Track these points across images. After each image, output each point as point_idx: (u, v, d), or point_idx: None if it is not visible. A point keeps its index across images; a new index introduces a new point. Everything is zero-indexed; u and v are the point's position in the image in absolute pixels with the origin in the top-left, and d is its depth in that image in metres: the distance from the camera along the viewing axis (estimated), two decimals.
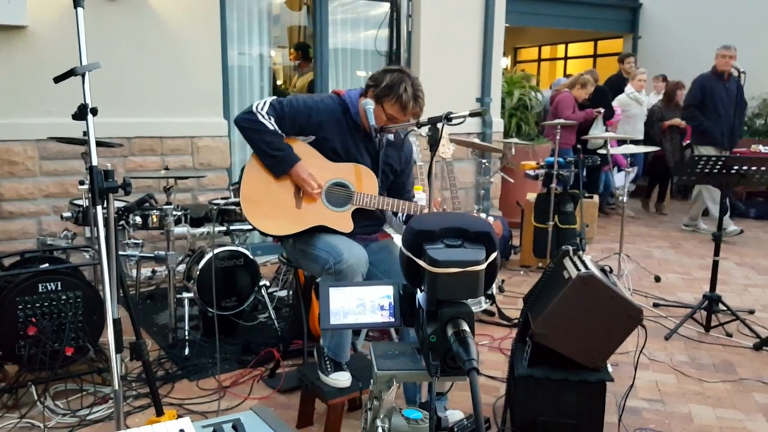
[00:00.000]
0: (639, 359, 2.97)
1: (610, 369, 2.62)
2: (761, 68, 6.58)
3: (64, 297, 2.99)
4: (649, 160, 7.95)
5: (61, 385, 3.07)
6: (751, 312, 4.49)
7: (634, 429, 2.90)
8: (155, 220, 3.76)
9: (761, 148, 8.00)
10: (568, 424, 2.58)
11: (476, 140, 5.87)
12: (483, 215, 2.87)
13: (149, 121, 4.86)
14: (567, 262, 2.70)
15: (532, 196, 5.73)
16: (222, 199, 4.19)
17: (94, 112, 2.14)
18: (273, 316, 4.00)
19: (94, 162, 2.10)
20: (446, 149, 3.97)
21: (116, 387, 2.09)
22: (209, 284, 3.60)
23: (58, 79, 2.17)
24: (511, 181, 6.32)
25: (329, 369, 2.72)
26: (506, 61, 12.36)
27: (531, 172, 5.50)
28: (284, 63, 7.31)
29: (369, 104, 2.69)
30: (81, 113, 2.12)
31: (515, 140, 6.35)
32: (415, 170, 3.52)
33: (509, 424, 2.75)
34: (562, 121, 5.71)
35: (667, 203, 8.35)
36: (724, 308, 4.17)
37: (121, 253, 3.99)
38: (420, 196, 3.45)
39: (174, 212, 3.67)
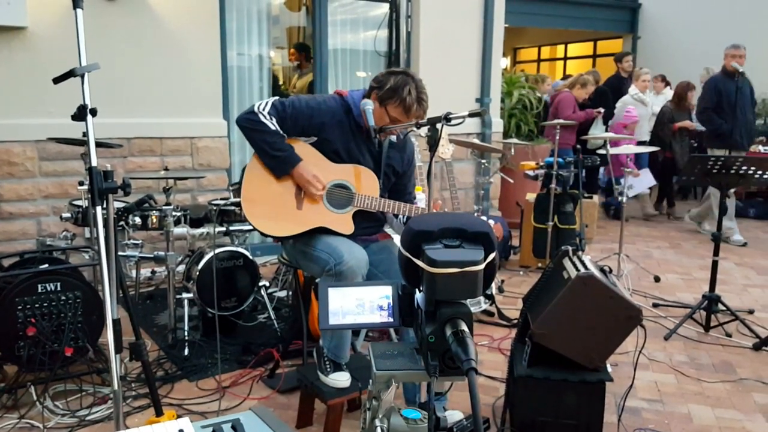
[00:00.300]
0: (638, 359, 2.98)
1: (609, 369, 2.62)
2: (761, 68, 6.56)
3: (63, 297, 2.99)
4: (660, 164, 7.71)
5: (60, 386, 3.07)
6: (751, 312, 4.49)
7: (633, 429, 2.90)
8: (155, 220, 3.76)
9: (761, 149, 8.00)
10: (567, 424, 2.58)
11: (476, 140, 5.87)
12: (483, 218, 2.87)
13: (149, 122, 4.86)
14: (566, 263, 2.70)
15: (531, 197, 5.73)
16: (222, 199, 4.19)
17: (94, 112, 2.14)
18: (272, 317, 4.00)
19: (94, 163, 2.11)
20: (446, 150, 3.97)
21: (116, 387, 2.09)
22: (209, 285, 3.60)
23: (57, 80, 2.17)
24: (511, 181, 6.32)
25: (329, 369, 2.72)
26: (506, 62, 12.36)
27: (530, 173, 5.50)
28: (284, 64, 7.32)
29: (368, 105, 2.68)
30: (80, 114, 2.13)
31: (515, 140, 6.35)
32: (415, 171, 3.53)
33: (509, 424, 2.75)
34: (561, 121, 5.71)
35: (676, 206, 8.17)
36: (724, 308, 4.17)
37: (120, 253, 3.99)
38: (420, 196, 3.46)
39: (173, 213, 3.67)
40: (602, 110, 7.19)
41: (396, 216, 2.94)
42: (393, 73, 2.74)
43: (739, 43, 6.32)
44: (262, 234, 2.86)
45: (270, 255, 5.34)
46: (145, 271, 4.84)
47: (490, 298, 4.29)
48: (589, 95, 7.29)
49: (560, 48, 14.81)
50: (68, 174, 4.60)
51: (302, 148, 2.78)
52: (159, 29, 4.81)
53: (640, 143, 7.37)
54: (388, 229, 3.13)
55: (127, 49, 4.70)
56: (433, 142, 2.44)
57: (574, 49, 14.37)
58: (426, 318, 1.37)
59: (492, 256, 1.39)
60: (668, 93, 8.38)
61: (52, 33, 4.41)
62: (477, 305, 4.24)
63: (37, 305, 2.94)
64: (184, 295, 3.82)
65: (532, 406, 2.61)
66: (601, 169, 7.75)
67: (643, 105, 7.55)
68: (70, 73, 2.13)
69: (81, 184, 3.74)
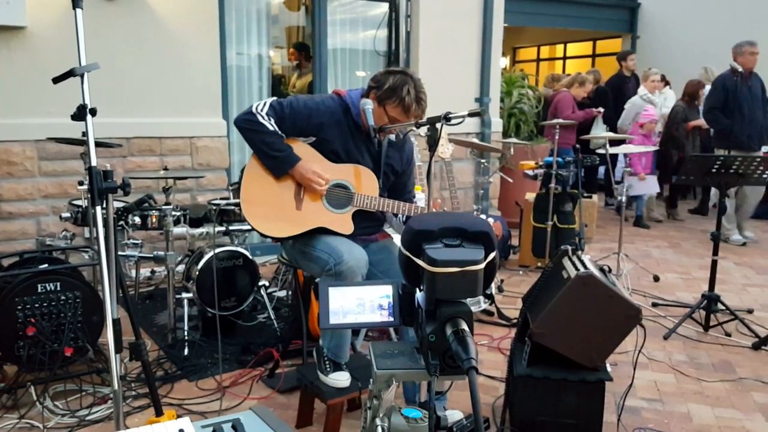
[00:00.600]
0: (638, 359, 2.98)
1: (609, 369, 2.62)
2: (760, 68, 6.54)
3: (63, 297, 2.99)
4: (675, 165, 7.48)
5: (60, 386, 3.07)
6: (750, 311, 4.49)
7: (633, 428, 2.90)
8: (154, 220, 3.76)
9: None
10: (567, 423, 2.58)
11: (475, 140, 5.87)
12: (483, 216, 2.87)
13: (148, 122, 4.86)
14: (566, 262, 2.70)
15: (531, 196, 5.73)
16: (221, 199, 4.19)
17: (93, 112, 2.14)
18: (272, 317, 4.00)
19: (94, 162, 2.11)
20: (445, 149, 3.97)
21: (116, 387, 2.09)
22: (208, 284, 3.60)
23: (57, 80, 2.17)
24: (510, 180, 6.32)
25: (328, 369, 2.72)
26: (505, 61, 12.36)
27: (530, 172, 5.50)
28: (283, 63, 7.32)
29: (368, 104, 2.68)
30: (80, 114, 2.13)
31: (514, 140, 6.36)
32: (415, 170, 3.53)
33: (508, 423, 2.76)
34: (561, 120, 5.72)
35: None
36: (723, 308, 4.17)
37: (120, 253, 3.99)
38: (419, 196, 3.46)
39: (173, 212, 3.67)
40: (602, 110, 7.19)
41: (396, 215, 2.94)
42: (392, 73, 2.73)
43: (754, 40, 6.18)
44: (261, 235, 2.86)
45: (270, 255, 5.34)
46: (145, 271, 4.84)
47: (490, 297, 4.29)
48: (589, 94, 7.28)
49: (559, 47, 14.81)
50: (68, 174, 4.60)
51: (301, 148, 2.78)
52: (158, 29, 4.81)
53: None
54: (388, 229, 3.13)
55: (126, 48, 4.70)
56: (432, 142, 2.44)
57: (573, 48, 14.37)
58: (426, 317, 1.37)
59: (492, 255, 1.39)
60: (668, 92, 8.34)
61: (51, 33, 4.41)
62: (477, 305, 4.24)
63: (36, 305, 2.94)
64: (184, 294, 3.82)
65: (532, 406, 2.61)
66: (619, 167, 7.52)
67: (652, 106, 7.36)
68: (70, 73, 2.13)
69: (81, 183, 3.74)
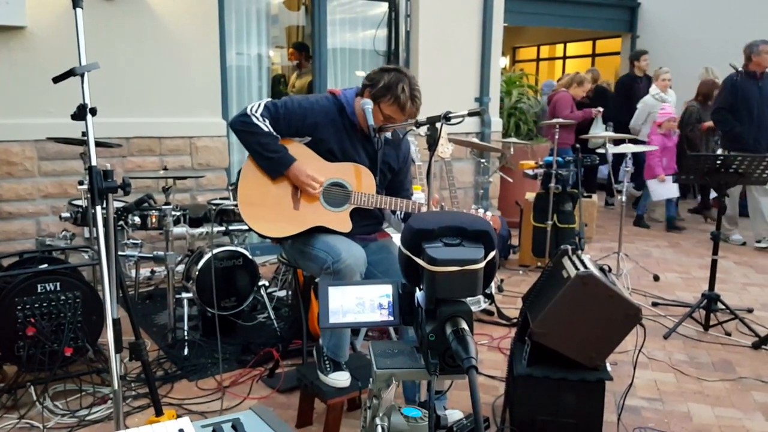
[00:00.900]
0: (638, 358, 2.98)
1: (609, 368, 2.62)
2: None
3: (63, 297, 2.99)
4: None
5: (60, 386, 3.07)
6: (750, 311, 4.49)
7: (633, 428, 2.90)
8: (154, 220, 3.76)
9: None
10: (567, 423, 2.58)
11: (475, 140, 5.87)
12: (481, 211, 2.88)
13: (148, 122, 4.86)
14: (566, 262, 2.70)
15: (531, 196, 5.73)
16: (221, 199, 4.19)
17: (93, 112, 2.14)
18: (272, 316, 4.00)
19: (94, 162, 2.10)
20: (445, 149, 3.97)
21: (116, 387, 2.09)
22: (208, 284, 3.60)
23: (57, 80, 2.17)
24: (510, 180, 6.32)
25: (328, 369, 2.72)
26: (505, 61, 12.36)
27: (530, 172, 5.50)
28: (283, 63, 7.31)
29: (368, 104, 2.67)
30: (80, 113, 2.12)
31: (514, 140, 6.36)
32: (414, 170, 3.53)
33: (508, 423, 2.76)
34: (560, 120, 5.72)
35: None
36: (723, 307, 4.17)
37: (120, 253, 3.98)
38: (419, 195, 3.45)
39: (173, 212, 3.67)
40: (601, 109, 7.18)
41: (394, 212, 2.94)
42: (386, 71, 2.74)
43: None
44: (260, 236, 2.86)
45: (269, 255, 5.34)
46: (145, 271, 4.84)
47: (490, 297, 4.29)
48: (588, 93, 7.28)
49: (559, 47, 14.80)
50: (67, 174, 4.60)
51: (297, 148, 2.78)
52: (158, 29, 4.81)
53: None
54: (387, 229, 3.13)
55: (126, 48, 4.70)
56: (432, 142, 2.44)
57: (573, 48, 14.37)
58: (426, 316, 1.37)
59: (492, 254, 1.39)
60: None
61: (51, 33, 4.41)
62: (476, 304, 4.24)
63: (36, 305, 2.94)
64: (184, 294, 3.82)
65: (532, 405, 2.61)
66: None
67: (669, 104, 7.22)
68: (70, 73, 2.12)
69: (80, 183, 3.74)
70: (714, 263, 4.15)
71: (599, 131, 7.03)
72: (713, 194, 7.74)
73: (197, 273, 3.69)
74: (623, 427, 2.87)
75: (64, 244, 3.95)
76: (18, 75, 4.38)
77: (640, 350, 2.88)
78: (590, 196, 6.66)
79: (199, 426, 1.44)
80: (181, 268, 4.17)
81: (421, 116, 2.71)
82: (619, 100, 8.01)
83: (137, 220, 3.73)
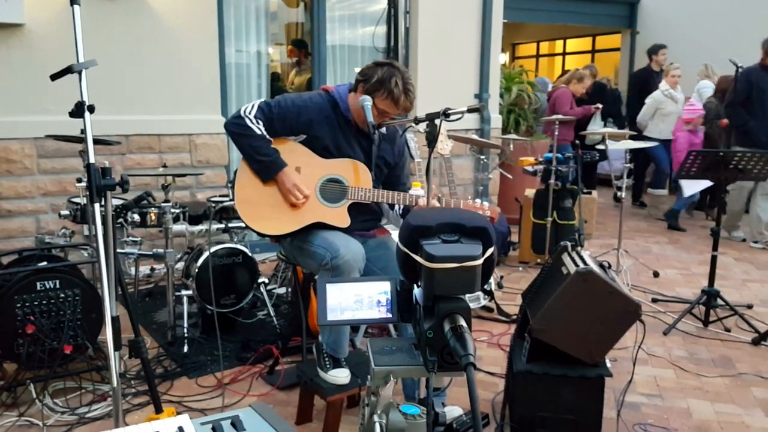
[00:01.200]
0: (638, 354, 2.99)
1: (608, 364, 2.62)
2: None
3: (62, 295, 2.99)
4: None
5: (60, 383, 3.07)
6: (750, 307, 4.49)
7: (632, 424, 2.90)
8: (153, 217, 3.76)
9: None
10: (566, 419, 2.58)
11: (474, 136, 5.86)
12: (478, 201, 2.89)
13: (147, 119, 4.85)
14: (565, 258, 2.70)
15: (530, 192, 5.73)
16: (220, 196, 4.19)
17: (92, 109, 2.13)
18: (272, 314, 4.00)
19: (92, 160, 2.10)
20: (444, 146, 3.96)
21: (114, 385, 2.09)
22: (208, 282, 3.60)
23: (54, 77, 2.17)
24: (510, 177, 6.31)
25: (328, 366, 2.72)
26: (504, 57, 12.34)
27: (529, 168, 5.50)
28: (282, 60, 7.31)
29: (367, 101, 2.67)
30: (78, 111, 2.12)
31: (513, 136, 6.35)
32: (414, 167, 3.52)
33: (508, 419, 2.76)
34: (560, 116, 5.71)
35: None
36: (723, 303, 4.17)
37: (119, 250, 3.98)
38: (418, 192, 3.45)
39: (172, 210, 3.67)
40: (600, 106, 7.17)
41: (392, 207, 2.95)
42: (379, 65, 2.74)
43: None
44: (259, 234, 2.86)
45: (269, 252, 5.34)
46: (144, 269, 4.84)
47: (490, 294, 4.29)
48: (587, 89, 7.26)
49: (559, 43, 14.78)
50: (66, 171, 4.60)
51: (292, 147, 2.79)
52: (157, 26, 4.80)
53: (668, 141, 7.21)
54: (387, 226, 3.13)
55: (125, 46, 4.69)
56: (431, 138, 2.43)
57: (572, 44, 14.35)
58: (424, 313, 1.37)
59: (490, 251, 1.39)
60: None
61: (49, 30, 4.40)
62: (476, 301, 4.25)
63: (36, 303, 2.94)
64: (183, 292, 3.82)
65: (532, 402, 2.61)
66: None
67: (673, 102, 7.19)
68: (68, 70, 2.12)
69: (79, 181, 3.73)
70: (714, 259, 4.15)
71: (597, 128, 7.02)
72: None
73: (197, 270, 3.69)
74: (623, 424, 2.87)
75: (64, 241, 3.95)
76: (17, 73, 4.38)
77: (639, 346, 2.88)
78: (590, 193, 6.66)
79: (199, 423, 1.44)
80: (180, 265, 4.17)
81: (421, 113, 2.71)
82: (634, 95, 7.84)
83: (137, 217, 3.73)
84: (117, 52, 4.64)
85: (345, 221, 2.77)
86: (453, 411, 2.77)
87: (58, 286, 2.99)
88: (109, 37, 4.61)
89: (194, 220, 4.00)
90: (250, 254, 3.89)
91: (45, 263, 3.21)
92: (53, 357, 2.92)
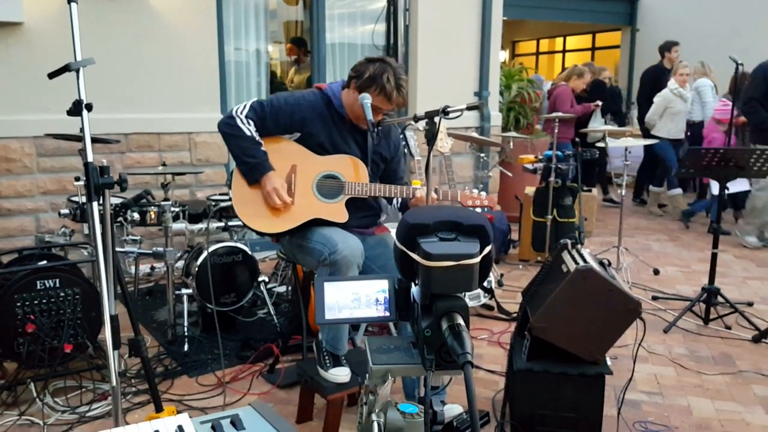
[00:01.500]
0: (638, 352, 2.98)
1: (609, 362, 2.62)
2: (761, 60, 6.45)
3: (62, 294, 2.99)
4: None
5: (60, 382, 3.07)
6: (750, 304, 4.49)
7: (633, 422, 2.90)
8: (153, 216, 3.76)
9: None
10: (567, 417, 2.58)
11: (474, 134, 5.86)
12: (475, 191, 2.89)
13: (146, 117, 4.85)
14: (565, 256, 2.70)
15: (530, 190, 5.73)
16: (220, 195, 4.19)
17: (89, 107, 2.13)
18: (272, 312, 4.00)
19: (90, 158, 2.10)
20: (444, 143, 3.96)
21: (114, 384, 2.09)
22: (208, 280, 3.60)
23: (52, 75, 2.17)
24: (510, 175, 6.31)
25: (328, 364, 2.73)
26: (504, 55, 12.33)
27: (529, 166, 5.49)
28: (281, 58, 7.30)
29: (366, 99, 2.68)
30: (76, 109, 2.12)
31: (513, 134, 6.35)
32: (414, 165, 3.52)
33: (508, 417, 2.76)
34: (560, 114, 5.70)
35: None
36: (723, 301, 4.16)
37: (119, 249, 3.98)
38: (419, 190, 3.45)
39: (172, 208, 3.67)
40: (599, 103, 7.16)
41: (390, 201, 2.95)
42: (371, 61, 2.75)
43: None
44: (258, 234, 2.87)
45: (269, 250, 5.34)
46: (144, 267, 4.83)
47: (490, 292, 4.29)
48: (588, 85, 7.25)
49: (559, 41, 14.77)
50: (66, 170, 4.59)
51: (287, 145, 2.80)
52: (156, 24, 4.80)
53: (677, 141, 7.12)
54: (386, 224, 3.13)
55: (124, 44, 4.69)
56: (431, 136, 2.44)
57: (572, 41, 14.34)
58: (422, 312, 1.37)
59: (488, 249, 1.39)
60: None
61: (48, 28, 4.40)
62: (476, 299, 4.24)
63: (36, 302, 2.94)
64: (184, 290, 3.82)
65: (532, 400, 2.61)
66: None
67: (682, 100, 7.09)
68: (65, 68, 2.12)
69: (77, 179, 3.73)
70: (714, 257, 4.14)
71: (598, 125, 7.00)
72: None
73: (197, 269, 3.68)
74: (623, 421, 2.87)
75: (63, 240, 3.95)
76: (16, 71, 4.37)
77: (640, 344, 2.88)
78: (590, 190, 6.65)
79: (198, 422, 1.44)
80: (180, 264, 4.17)
81: (420, 111, 2.71)
82: (645, 92, 7.71)
83: (136, 216, 3.73)
84: (116, 51, 4.64)
85: (343, 216, 2.78)
86: (453, 409, 2.78)
87: (58, 284, 2.99)
88: (108, 36, 4.60)
89: (194, 219, 4.00)
90: (250, 253, 3.89)
91: (45, 262, 3.21)
92: (53, 356, 2.92)
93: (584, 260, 2.58)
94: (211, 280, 3.51)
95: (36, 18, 4.38)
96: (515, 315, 3.99)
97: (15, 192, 4.49)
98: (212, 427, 1.41)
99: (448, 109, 2.41)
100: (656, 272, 5.24)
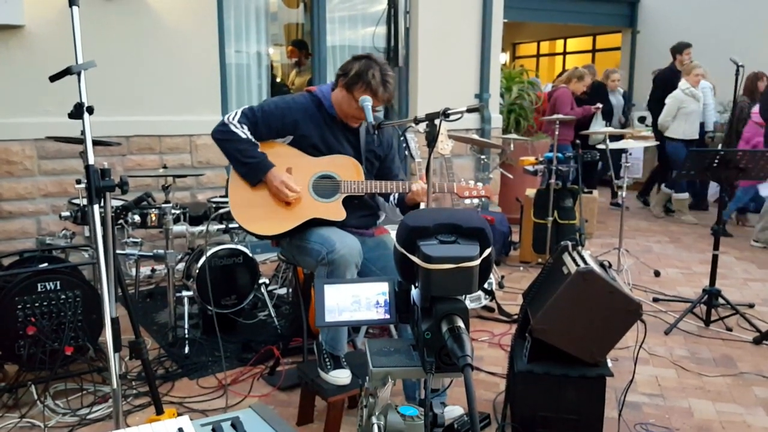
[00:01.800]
0: (639, 354, 2.97)
1: (609, 364, 2.62)
2: (762, 62, 6.45)
3: (63, 296, 2.99)
4: None
5: (61, 385, 3.07)
6: (751, 306, 4.49)
7: (634, 424, 2.90)
8: (154, 218, 3.76)
9: None
10: (568, 419, 2.58)
11: (475, 136, 5.86)
12: (472, 182, 2.90)
13: (147, 120, 4.86)
14: (566, 258, 2.69)
15: (531, 192, 5.73)
16: (221, 197, 4.19)
17: (90, 110, 2.14)
18: (273, 314, 4.00)
19: (91, 161, 2.10)
20: (445, 146, 3.96)
21: (114, 386, 2.09)
22: (208, 282, 3.60)
23: (53, 78, 2.17)
24: (510, 176, 6.31)
25: (329, 366, 2.72)
26: (505, 57, 12.33)
27: (530, 168, 5.50)
28: (282, 61, 7.31)
29: (367, 101, 2.68)
30: (77, 112, 2.12)
31: (514, 136, 6.35)
32: (414, 167, 3.52)
33: (509, 419, 2.75)
34: (560, 116, 5.70)
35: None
36: (724, 302, 4.16)
37: (120, 251, 3.99)
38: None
39: (173, 211, 3.67)
40: (600, 105, 7.15)
41: (387, 199, 2.96)
42: (357, 59, 2.78)
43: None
44: (257, 237, 2.87)
45: (270, 252, 5.34)
46: (145, 270, 4.84)
47: (491, 294, 4.29)
48: (588, 87, 7.25)
49: (559, 43, 14.77)
50: (67, 172, 4.60)
51: (281, 149, 2.81)
52: (157, 27, 4.81)
53: (690, 142, 7.06)
54: (386, 225, 3.13)
55: (125, 47, 4.70)
56: (431, 138, 2.44)
57: (573, 44, 14.33)
58: (422, 314, 1.37)
59: (488, 251, 1.39)
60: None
61: (49, 31, 4.41)
62: (477, 301, 4.24)
63: (36, 304, 2.95)
64: (184, 293, 3.82)
65: (533, 402, 2.61)
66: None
67: (695, 100, 7.02)
68: (67, 71, 2.12)
69: (78, 182, 3.73)
70: (715, 258, 4.14)
71: (599, 127, 7.00)
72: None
73: (197, 271, 3.69)
74: (624, 423, 2.87)
75: (64, 243, 3.95)
76: (17, 74, 4.38)
77: (640, 346, 2.87)
78: (591, 192, 6.65)
79: (199, 425, 1.44)
80: (181, 266, 4.17)
81: (421, 113, 2.72)
82: (657, 94, 7.63)
83: (137, 218, 3.73)
84: (117, 53, 4.65)
85: (341, 214, 2.79)
86: (454, 411, 2.77)
87: (58, 287, 2.99)
88: (109, 38, 4.61)
89: (195, 221, 4.00)
90: (250, 255, 3.89)
91: (46, 264, 3.22)
92: (54, 358, 2.92)
93: (585, 262, 2.58)
94: (212, 282, 3.52)
95: (37, 21, 4.39)
96: (516, 317, 3.99)
97: (16, 194, 4.50)
98: (213, 430, 1.41)
99: (449, 112, 2.41)
100: (657, 274, 5.24)
